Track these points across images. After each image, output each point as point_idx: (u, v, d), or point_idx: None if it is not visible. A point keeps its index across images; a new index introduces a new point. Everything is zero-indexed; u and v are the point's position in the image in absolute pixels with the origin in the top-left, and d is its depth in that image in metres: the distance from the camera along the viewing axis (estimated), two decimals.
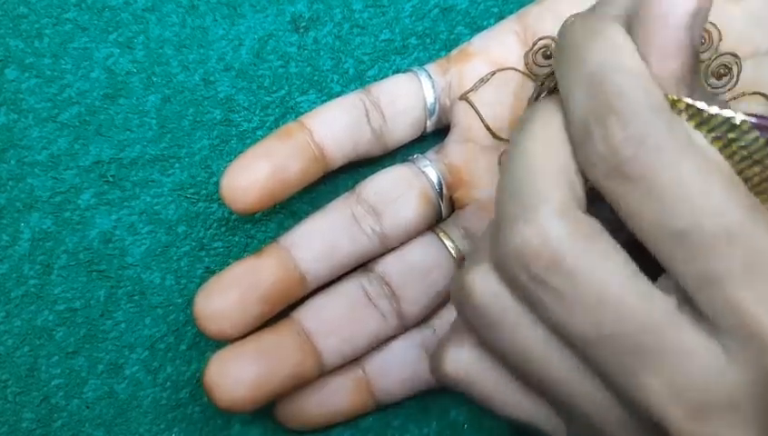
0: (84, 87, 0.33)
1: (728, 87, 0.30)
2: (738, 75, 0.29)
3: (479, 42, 0.32)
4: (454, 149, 0.32)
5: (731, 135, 0.22)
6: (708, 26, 0.29)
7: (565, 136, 0.24)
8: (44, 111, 0.33)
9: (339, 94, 0.33)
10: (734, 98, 0.29)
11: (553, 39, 0.31)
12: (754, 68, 0.29)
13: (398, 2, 0.34)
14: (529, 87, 0.31)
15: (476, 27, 0.34)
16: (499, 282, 0.24)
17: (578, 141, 0.23)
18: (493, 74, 0.31)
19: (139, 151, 0.34)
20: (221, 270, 0.33)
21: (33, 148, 0.33)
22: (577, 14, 0.26)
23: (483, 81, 0.31)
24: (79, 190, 0.33)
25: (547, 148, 0.24)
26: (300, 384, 0.31)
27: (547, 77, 0.31)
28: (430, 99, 0.32)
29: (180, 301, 0.34)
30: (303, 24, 0.34)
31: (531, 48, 0.31)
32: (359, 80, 0.34)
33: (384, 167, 0.33)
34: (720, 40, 0.29)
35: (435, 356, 0.27)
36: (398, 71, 0.34)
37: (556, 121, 0.24)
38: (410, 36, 0.34)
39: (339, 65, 0.34)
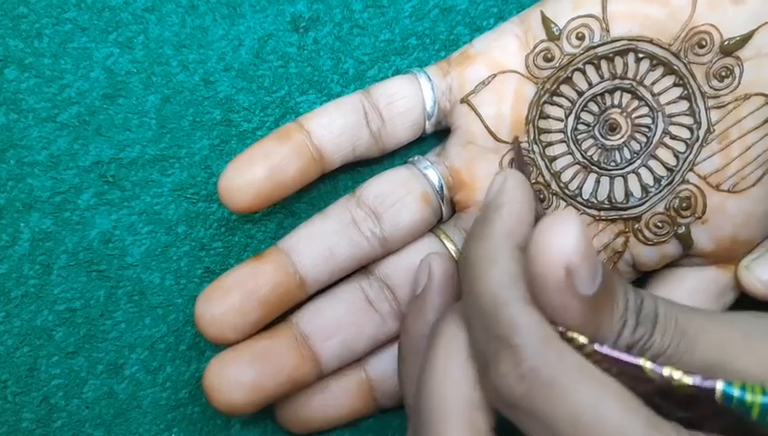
0: (84, 87, 0.33)
1: (730, 89, 0.29)
2: (740, 77, 0.29)
3: (480, 44, 0.32)
4: (455, 151, 0.32)
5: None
6: (708, 27, 0.29)
7: (469, 365, 0.24)
8: (44, 111, 0.33)
9: (338, 95, 0.33)
10: (737, 100, 0.29)
11: (555, 43, 0.31)
12: (755, 69, 0.29)
13: (398, 2, 0.34)
14: (530, 90, 0.31)
15: (475, 28, 0.34)
16: None
17: (479, 372, 0.23)
18: (494, 76, 0.31)
19: (139, 151, 0.33)
20: (220, 270, 0.33)
21: (32, 148, 0.33)
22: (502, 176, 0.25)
23: (484, 83, 0.31)
24: (79, 190, 0.33)
25: (450, 383, 0.24)
26: (299, 388, 0.31)
27: (548, 80, 0.31)
28: (429, 101, 0.32)
29: (180, 301, 0.34)
30: (303, 24, 0.34)
31: (532, 51, 0.31)
32: (359, 80, 0.34)
33: (384, 168, 0.33)
34: (721, 41, 0.29)
35: None
36: (397, 71, 0.34)
37: (459, 348, 0.24)
38: (410, 37, 0.34)
39: (339, 66, 0.34)
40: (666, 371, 0.22)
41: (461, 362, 0.24)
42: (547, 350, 0.22)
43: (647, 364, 0.22)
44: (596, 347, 0.22)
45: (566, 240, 0.21)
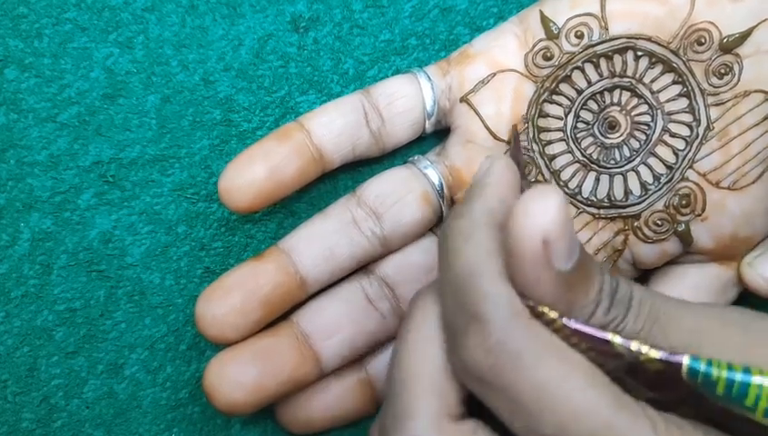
0: (84, 87, 0.33)
1: (729, 86, 0.29)
2: (739, 74, 0.29)
3: (479, 43, 0.32)
4: (455, 150, 0.32)
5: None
6: (707, 25, 0.29)
7: (440, 337, 0.24)
8: (44, 111, 0.33)
9: (338, 95, 0.33)
10: (736, 97, 0.29)
11: (554, 42, 0.31)
12: (755, 66, 0.29)
13: (398, 2, 0.34)
14: (529, 89, 0.31)
15: (475, 28, 0.34)
16: None
17: (449, 346, 0.24)
18: (493, 75, 0.31)
19: (139, 151, 0.33)
20: (220, 270, 0.33)
21: (32, 148, 0.33)
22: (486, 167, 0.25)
23: (483, 82, 0.31)
24: (79, 190, 0.33)
25: (421, 353, 0.24)
26: (299, 387, 0.31)
27: (547, 78, 0.31)
28: (429, 101, 0.32)
29: (180, 301, 0.34)
30: (303, 24, 0.34)
31: (531, 49, 0.31)
32: (359, 80, 0.34)
33: (384, 168, 0.33)
34: (720, 39, 0.29)
35: None
36: (397, 71, 0.34)
37: (432, 320, 0.24)
38: (410, 37, 0.34)
39: (339, 66, 0.34)
40: (635, 345, 0.22)
41: (433, 335, 0.24)
42: (516, 323, 0.22)
43: (616, 339, 0.22)
44: (565, 321, 0.22)
45: (545, 212, 0.21)
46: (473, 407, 0.24)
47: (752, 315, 0.24)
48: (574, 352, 0.22)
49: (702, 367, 0.22)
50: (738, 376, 0.21)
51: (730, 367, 0.22)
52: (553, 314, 0.22)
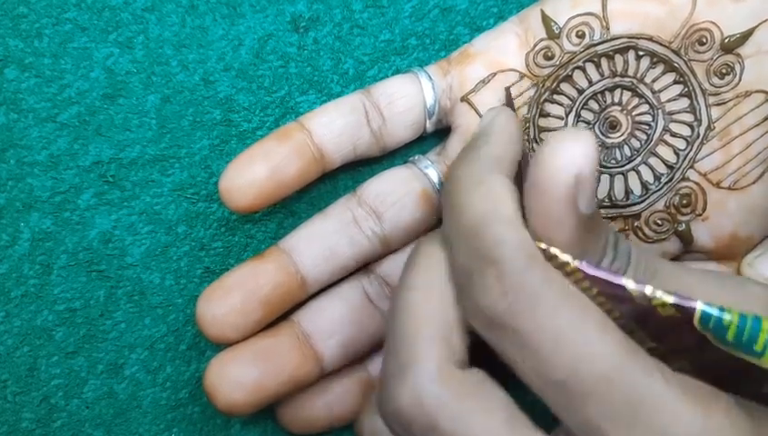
0: (84, 87, 0.33)
1: (730, 86, 0.29)
2: (741, 74, 0.29)
3: (480, 43, 0.32)
4: (455, 150, 0.32)
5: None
6: (709, 25, 0.29)
7: (447, 283, 0.24)
8: (44, 111, 0.33)
9: (339, 95, 0.33)
10: (737, 97, 0.29)
11: (555, 41, 0.31)
12: (756, 66, 0.29)
13: (398, 2, 0.34)
14: (530, 88, 0.31)
15: (475, 28, 0.34)
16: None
17: (459, 291, 0.23)
18: (494, 75, 0.31)
19: (139, 151, 0.33)
20: (220, 270, 0.33)
21: (32, 148, 0.33)
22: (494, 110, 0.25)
23: (484, 82, 0.31)
24: (79, 190, 0.33)
25: (427, 299, 0.24)
26: (300, 387, 0.31)
27: (548, 78, 0.31)
28: (430, 100, 0.32)
29: (180, 301, 0.34)
30: (303, 24, 0.34)
31: (532, 49, 0.31)
32: (359, 80, 0.34)
33: (385, 167, 0.33)
34: (722, 38, 0.29)
35: None
36: (397, 71, 0.34)
37: (439, 266, 0.24)
38: (410, 37, 0.34)
39: (339, 66, 0.34)
40: (649, 290, 0.22)
41: (440, 280, 0.24)
42: (532, 267, 0.22)
43: (629, 283, 0.22)
44: (579, 264, 0.22)
45: (579, 150, 0.21)
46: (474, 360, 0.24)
47: (747, 280, 0.25)
48: (587, 299, 0.22)
49: (715, 312, 0.22)
50: (749, 322, 0.21)
51: (742, 314, 0.22)
52: (566, 258, 0.22)
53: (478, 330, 0.23)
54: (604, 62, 0.31)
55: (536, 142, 0.31)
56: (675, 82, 0.30)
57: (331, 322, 0.31)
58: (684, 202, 0.30)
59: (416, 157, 0.32)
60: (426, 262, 0.24)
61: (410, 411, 0.22)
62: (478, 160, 0.24)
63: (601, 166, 0.31)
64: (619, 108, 0.31)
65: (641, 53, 0.30)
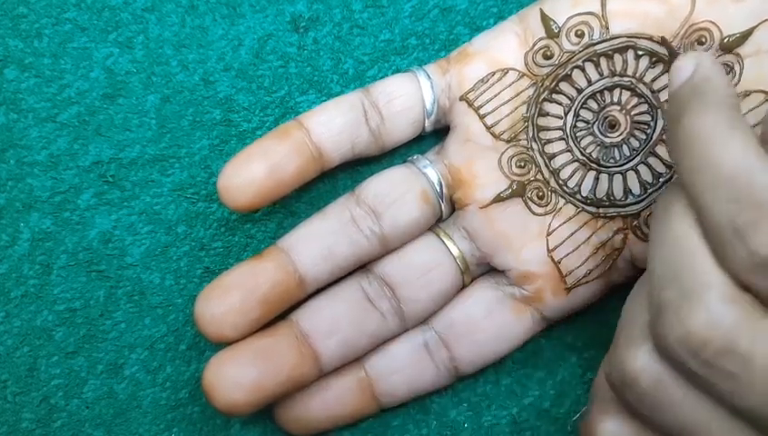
0: (84, 87, 0.33)
1: None
2: (740, 74, 0.29)
3: (479, 42, 0.32)
4: (454, 149, 0.32)
5: None
6: (708, 24, 0.29)
7: (700, 234, 0.23)
8: (44, 111, 0.33)
9: (338, 95, 0.33)
10: (737, 96, 0.29)
11: (554, 40, 0.31)
12: (756, 66, 0.29)
13: (398, 2, 0.34)
14: (529, 88, 0.31)
15: (475, 27, 0.34)
16: (663, 366, 0.24)
17: (722, 246, 0.23)
18: (493, 74, 0.31)
19: (138, 151, 0.34)
20: (220, 270, 0.33)
21: (32, 148, 0.33)
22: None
23: (483, 81, 0.31)
24: (79, 190, 0.33)
25: (694, 241, 0.23)
26: (299, 387, 0.31)
27: (547, 77, 0.31)
28: (429, 99, 0.32)
29: (179, 301, 0.34)
30: (303, 24, 0.34)
31: (531, 48, 0.31)
32: (359, 80, 0.34)
33: (383, 167, 0.33)
34: (721, 38, 0.29)
35: (586, 429, 0.27)
36: (397, 71, 0.34)
37: (688, 219, 0.24)
38: (410, 37, 0.34)
39: (339, 65, 0.34)
40: None
41: (694, 230, 0.23)
42: None
43: None
44: None
45: None
46: None
47: None
48: None
49: None
50: None
51: None
52: None
53: (738, 275, 0.22)
54: (603, 61, 0.31)
55: (535, 141, 0.31)
56: None
57: (330, 322, 0.31)
58: None
59: (415, 157, 0.32)
60: (676, 214, 0.24)
61: (705, 334, 0.22)
62: (717, 106, 0.23)
63: (600, 165, 0.31)
64: (618, 108, 0.31)
65: (640, 52, 0.30)
